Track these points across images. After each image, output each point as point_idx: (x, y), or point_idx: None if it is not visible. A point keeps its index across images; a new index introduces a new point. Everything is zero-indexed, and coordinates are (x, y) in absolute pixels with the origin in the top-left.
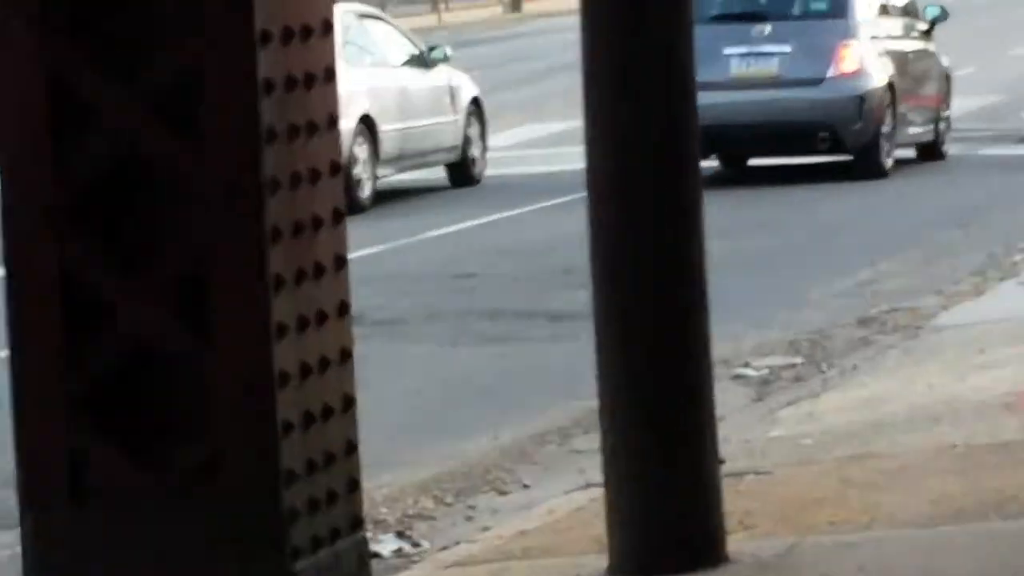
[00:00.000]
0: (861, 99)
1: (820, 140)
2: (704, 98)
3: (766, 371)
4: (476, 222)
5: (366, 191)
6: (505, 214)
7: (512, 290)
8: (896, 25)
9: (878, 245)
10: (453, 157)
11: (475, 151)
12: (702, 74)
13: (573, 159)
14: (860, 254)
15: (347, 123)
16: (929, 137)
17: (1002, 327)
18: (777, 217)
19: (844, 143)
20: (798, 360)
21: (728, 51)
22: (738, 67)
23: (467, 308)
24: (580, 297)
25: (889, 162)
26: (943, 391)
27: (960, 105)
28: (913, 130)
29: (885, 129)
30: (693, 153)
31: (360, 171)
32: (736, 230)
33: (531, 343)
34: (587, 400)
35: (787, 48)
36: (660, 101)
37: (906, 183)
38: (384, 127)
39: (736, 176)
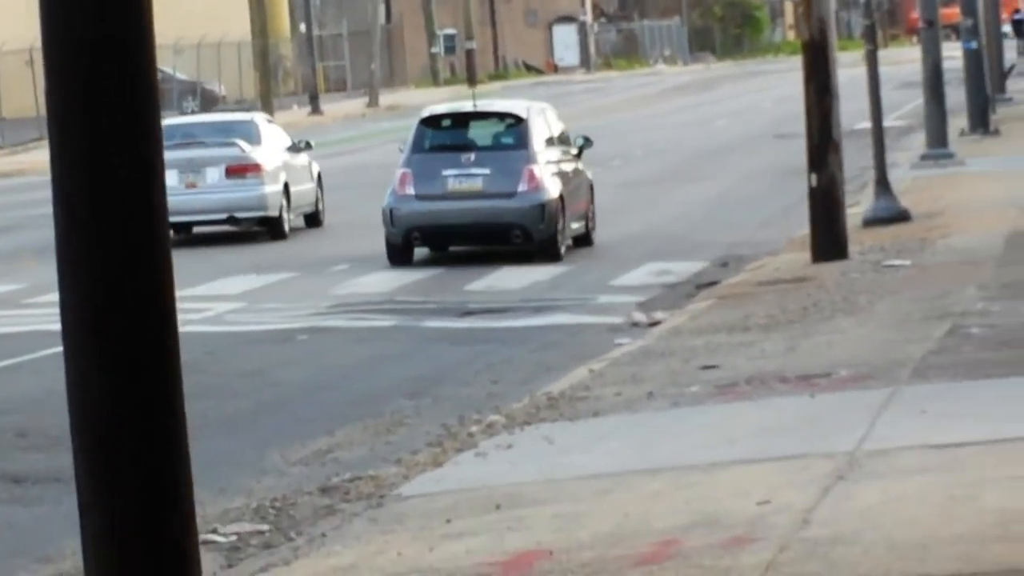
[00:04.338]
0: (543, 207)
1: (515, 236)
2: (429, 205)
3: (234, 538)
4: None
5: None
6: None
7: None
8: (558, 152)
9: (332, 415)
10: None
11: None
12: (428, 188)
13: (32, 320)
14: (315, 422)
15: None
16: (583, 231)
17: (466, 496)
18: (227, 384)
19: (532, 238)
20: (266, 527)
21: (445, 172)
22: (453, 184)
23: None
24: (39, 460)
25: (563, 249)
26: (414, 561)
27: None
28: (574, 225)
29: (559, 227)
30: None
31: None
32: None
33: None
34: (59, 563)
35: (487, 171)
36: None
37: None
38: None
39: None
